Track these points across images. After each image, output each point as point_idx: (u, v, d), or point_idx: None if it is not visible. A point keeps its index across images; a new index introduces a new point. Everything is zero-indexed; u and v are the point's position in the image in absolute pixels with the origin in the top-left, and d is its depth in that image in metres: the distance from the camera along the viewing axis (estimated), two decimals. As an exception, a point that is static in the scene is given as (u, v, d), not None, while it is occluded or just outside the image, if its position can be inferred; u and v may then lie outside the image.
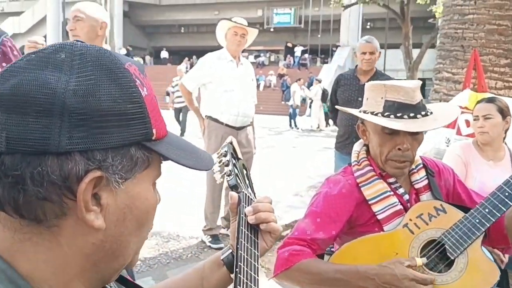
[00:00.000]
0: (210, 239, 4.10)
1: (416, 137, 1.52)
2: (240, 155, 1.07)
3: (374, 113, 1.50)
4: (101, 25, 2.67)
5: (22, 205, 0.51)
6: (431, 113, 1.51)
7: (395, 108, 1.48)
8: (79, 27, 2.63)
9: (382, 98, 1.50)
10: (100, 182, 0.54)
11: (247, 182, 1.04)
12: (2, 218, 0.54)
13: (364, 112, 1.55)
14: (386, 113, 1.48)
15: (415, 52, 14.18)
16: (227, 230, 4.32)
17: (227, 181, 0.97)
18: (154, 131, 0.58)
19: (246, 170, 1.08)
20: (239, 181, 0.98)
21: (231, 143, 1.05)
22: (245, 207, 0.93)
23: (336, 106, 2.01)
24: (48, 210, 0.52)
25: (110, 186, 0.55)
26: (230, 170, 0.97)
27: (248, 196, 0.97)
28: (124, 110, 0.54)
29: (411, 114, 1.47)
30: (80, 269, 0.56)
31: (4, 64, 1.58)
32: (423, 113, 1.49)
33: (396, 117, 1.47)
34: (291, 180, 7.11)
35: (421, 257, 1.43)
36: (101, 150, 0.53)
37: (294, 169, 8.22)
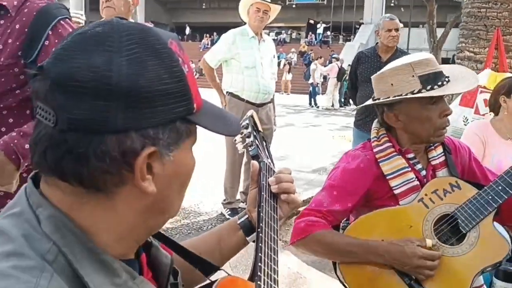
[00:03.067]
0: (229, 212, 4.21)
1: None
2: (260, 128, 1.15)
3: (415, 92, 1.50)
4: (133, 1, 2.78)
5: (86, 178, 0.58)
6: (448, 77, 1.56)
7: (432, 79, 1.50)
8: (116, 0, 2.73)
9: (413, 76, 1.50)
10: (153, 155, 0.60)
11: (267, 153, 1.12)
12: (63, 186, 0.60)
13: (400, 95, 1.52)
14: (429, 86, 1.49)
15: (440, 31, 13.87)
16: (246, 204, 4.42)
17: (249, 151, 1.06)
18: (194, 105, 0.64)
19: (265, 142, 1.16)
20: (260, 152, 1.06)
21: (251, 116, 1.12)
22: (266, 175, 1.01)
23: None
24: (108, 180, 0.59)
25: (161, 157, 0.62)
26: (251, 141, 1.05)
27: (268, 166, 1.05)
28: (170, 89, 0.60)
29: (446, 79, 1.52)
30: (132, 226, 0.64)
31: None
32: (447, 77, 1.54)
33: (438, 86, 1.50)
34: (309, 158, 7.17)
35: (434, 230, 1.49)
36: (153, 127, 0.59)
37: (312, 148, 8.27)
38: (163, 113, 0.59)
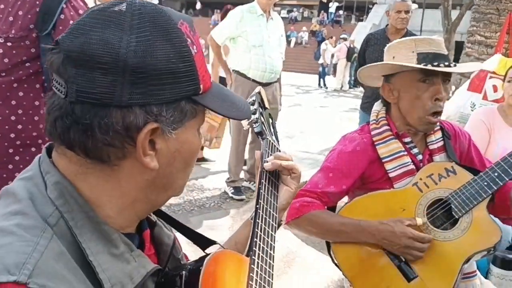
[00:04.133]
0: (233, 191, 4.25)
1: (446, 86, 1.56)
2: (267, 105, 1.15)
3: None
4: None
5: (90, 148, 0.61)
6: (455, 64, 1.56)
7: (430, 58, 1.50)
8: None
9: (413, 52, 1.51)
10: (155, 131, 0.62)
11: (271, 130, 1.13)
12: (70, 155, 0.63)
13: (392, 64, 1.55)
14: (423, 63, 1.49)
15: (455, 14, 13.60)
16: (250, 183, 4.47)
17: (253, 127, 1.06)
18: (201, 86, 0.65)
19: (271, 119, 1.16)
20: (264, 129, 1.06)
21: (259, 93, 1.13)
22: (268, 152, 1.02)
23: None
24: (111, 153, 0.61)
25: (163, 134, 0.64)
26: (256, 118, 1.06)
27: (272, 143, 1.06)
28: (176, 68, 0.61)
29: (446, 63, 1.51)
30: (133, 199, 0.67)
31: None
32: (453, 63, 1.53)
33: (433, 65, 1.49)
34: (316, 139, 7.17)
35: (426, 214, 1.50)
36: (157, 104, 0.61)
37: (319, 128, 8.26)
38: (168, 92, 0.61)
